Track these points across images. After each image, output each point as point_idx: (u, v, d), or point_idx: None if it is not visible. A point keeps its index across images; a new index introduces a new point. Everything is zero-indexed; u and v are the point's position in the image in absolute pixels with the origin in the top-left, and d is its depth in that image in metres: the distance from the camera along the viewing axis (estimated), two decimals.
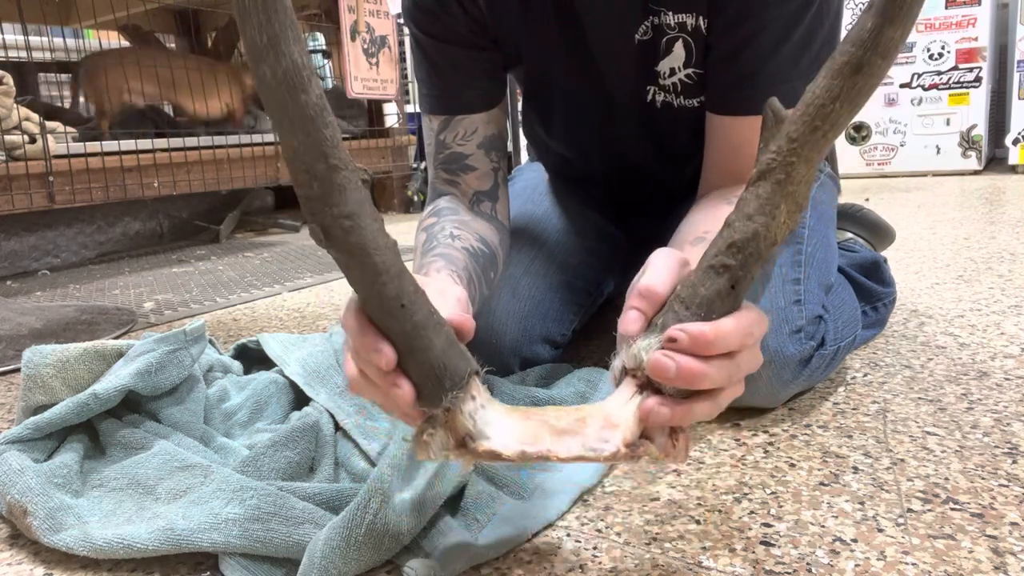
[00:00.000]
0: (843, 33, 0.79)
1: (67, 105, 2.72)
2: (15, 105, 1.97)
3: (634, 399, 0.46)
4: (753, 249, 0.44)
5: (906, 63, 3.46)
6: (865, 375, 0.92)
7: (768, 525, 0.59)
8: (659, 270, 0.48)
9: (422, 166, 3.23)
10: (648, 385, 0.46)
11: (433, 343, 0.44)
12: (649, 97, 0.85)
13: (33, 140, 1.97)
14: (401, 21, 2.80)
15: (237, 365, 0.93)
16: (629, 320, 0.47)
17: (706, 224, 0.67)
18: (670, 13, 0.78)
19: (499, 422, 0.46)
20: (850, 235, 1.26)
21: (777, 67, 0.73)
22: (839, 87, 0.41)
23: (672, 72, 0.82)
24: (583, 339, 1.08)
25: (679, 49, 0.80)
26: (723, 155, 0.78)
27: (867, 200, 2.68)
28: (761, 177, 0.44)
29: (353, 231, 0.41)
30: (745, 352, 0.46)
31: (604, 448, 0.45)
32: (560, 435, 0.45)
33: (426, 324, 0.44)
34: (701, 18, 0.77)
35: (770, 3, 0.71)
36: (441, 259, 0.69)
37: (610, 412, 0.46)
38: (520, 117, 1.04)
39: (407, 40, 3.22)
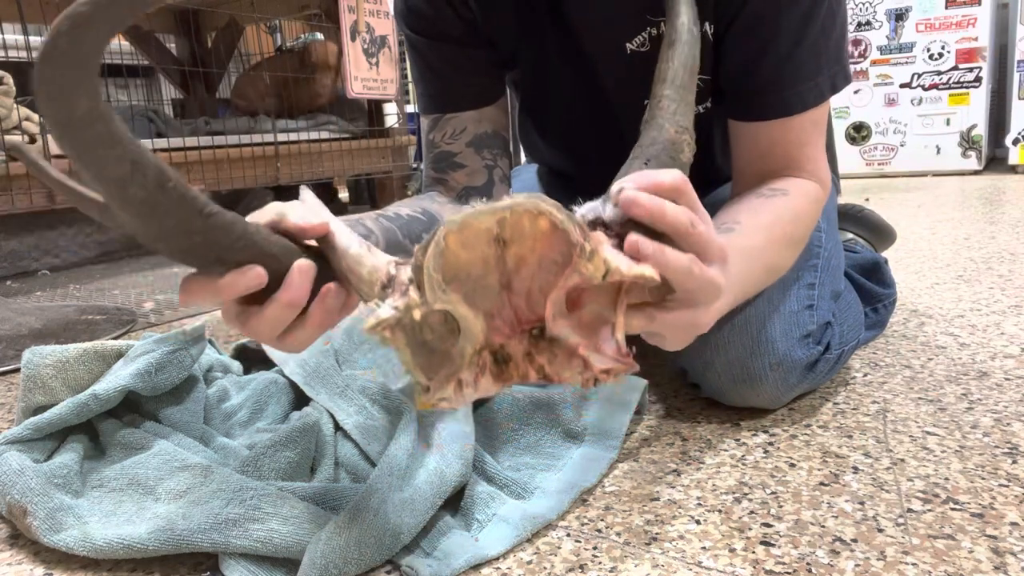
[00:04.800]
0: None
1: None
2: (15, 105, 1.96)
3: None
4: (651, 139, 0.55)
5: (906, 63, 3.46)
6: (865, 375, 0.92)
7: (768, 525, 0.59)
8: None
9: (422, 166, 3.23)
10: (593, 223, 0.46)
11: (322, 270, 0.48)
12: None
13: (33, 140, 1.97)
14: None
15: (237, 365, 0.93)
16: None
17: (732, 215, 0.67)
18: None
19: None
20: (851, 236, 1.26)
21: (797, 68, 0.72)
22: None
23: None
24: None
25: None
26: (753, 160, 0.78)
27: (867, 200, 2.68)
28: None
29: (244, 240, 0.45)
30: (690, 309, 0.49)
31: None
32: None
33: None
34: (707, 24, 0.77)
35: (782, 6, 0.71)
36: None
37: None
38: (516, 120, 1.03)
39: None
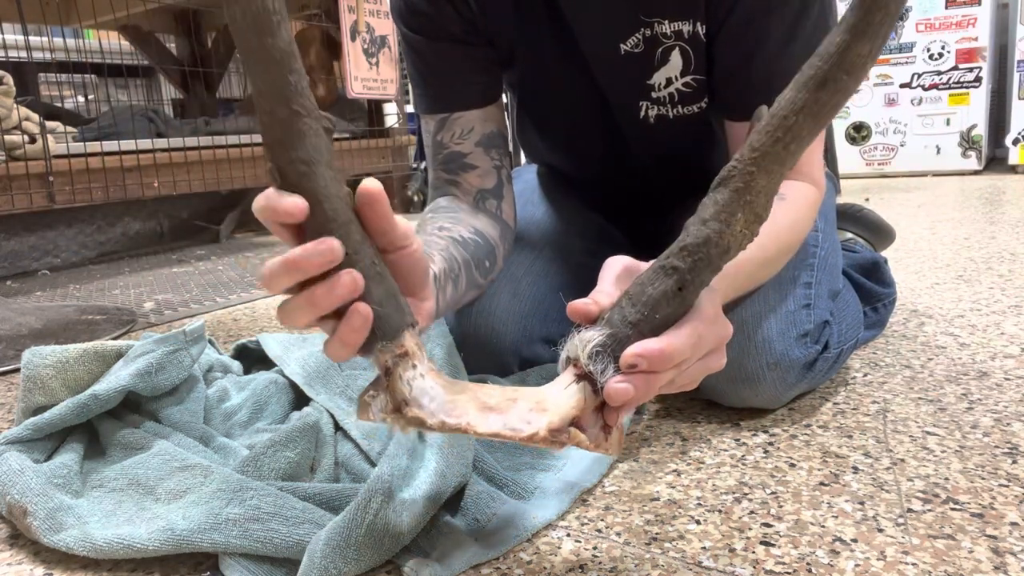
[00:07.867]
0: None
1: (67, 105, 2.73)
2: (15, 105, 1.96)
3: (571, 388, 0.47)
4: (703, 255, 0.44)
5: (906, 63, 3.46)
6: (865, 375, 0.92)
7: (768, 525, 0.59)
8: (606, 279, 0.52)
9: (422, 166, 3.23)
10: (587, 376, 0.46)
11: (371, 291, 0.45)
12: (642, 113, 0.85)
13: (33, 140, 1.97)
14: None
15: (237, 365, 0.93)
16: (580, 309, 0.49)
17: None
18: (666, 22, 0.77)
19: (433, 392, 0.47)
20: (850, 235, 1.26)
21: (789, 66, 0.72)
22: (803, 100, 0.41)
23: (669, 82, 0.82)
24: None
25: (676, 58, 0.80)
26: None
27: (867, 200, 2.68)
28: (721, 183, 0.44)
29: (307, 176, 0.42)
30: (700, 359, 0.48)
31: (524, 429, 0.45)
32: (485, 411, 0.46)
33: (367, 273, 0.45)
34: (699, 24, 0.76)
35: (772, 5, 0.71)
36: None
37: (544, 397, 0.47)
38: (514, 120, 1.03)
39: None
